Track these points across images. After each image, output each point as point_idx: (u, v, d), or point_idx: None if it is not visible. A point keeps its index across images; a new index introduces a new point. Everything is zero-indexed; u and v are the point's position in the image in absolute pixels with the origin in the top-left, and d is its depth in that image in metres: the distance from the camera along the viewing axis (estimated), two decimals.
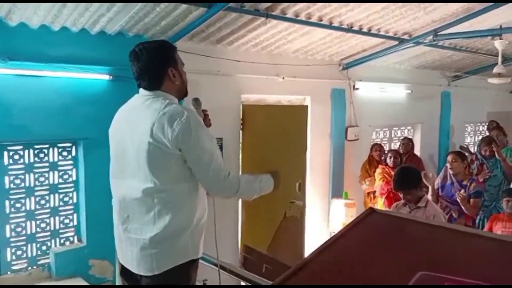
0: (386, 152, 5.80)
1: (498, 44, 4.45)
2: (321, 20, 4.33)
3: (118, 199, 2.01)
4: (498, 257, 1.41)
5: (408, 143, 6.27)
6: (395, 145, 6.97)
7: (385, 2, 4.07)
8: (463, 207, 4.14)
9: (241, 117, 4.88)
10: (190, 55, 4.23)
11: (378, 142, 6.45)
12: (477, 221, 4.89)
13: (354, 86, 6.09)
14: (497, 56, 5.07)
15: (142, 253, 1.88)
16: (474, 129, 8.79)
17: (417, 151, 7.03)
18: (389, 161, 5.36)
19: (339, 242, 1.60)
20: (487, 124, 7.75)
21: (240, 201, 4.89)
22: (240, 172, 4.77)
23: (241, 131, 4.88)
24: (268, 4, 3.82)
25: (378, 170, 5.44)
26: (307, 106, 5.56)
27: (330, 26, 4.43)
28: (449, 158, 4.45)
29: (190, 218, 1.92)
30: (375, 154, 5.82)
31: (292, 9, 3.99)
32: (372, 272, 1.38)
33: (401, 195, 3.49)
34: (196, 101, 2.21)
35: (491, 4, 4.40)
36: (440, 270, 1.34)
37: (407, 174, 3.51)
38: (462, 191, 4.20)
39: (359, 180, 5.78)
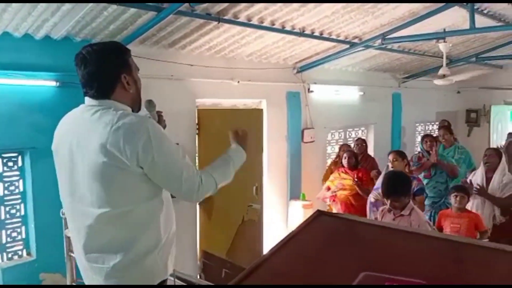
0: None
1: (443, 47, 4.65)
2: (273, 24, 4.38)
3: (73, 225, 1.80)
4: (442, 256, 1.46)
5: (362, 143, 6.42)
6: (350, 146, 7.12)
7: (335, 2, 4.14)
8: None
9: (196, 122, 4.84)
10: (141, 59, 4.14)
11: (346, 143, 6.57)
12: (427, 217, 5.08)
13: (309, 89, 6.19)
14: (442, 58, 5.31)
15: (107, 282, 1.71)
16: (424, 128, 9.14)
17: (370, 151, 7.23)
18: (344, 162, 5.45)
19: (287, 246, 1.61)
20: (438, 123, 8.08)
21: (197, 207, 4.85)
22: None
23: (197, 136, 4.84)
24: (220, 8, 3.82)
25: (335, 174, 5.51)
26: (262, 109, 5.58)
27: (282, 30, 4.49)
28: (390, 157, 4.60)
29: (158, 236, 1.75)
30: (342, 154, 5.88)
31: (244, 13, 4.01)
32: (318, 274, 1.40)
33: (387, 202, 3.43)
34: (150, 103, 2.09)
35: (434, 8, 4.62)
36: (384, 270, 1.38)
37: (398, 181, 3.44)
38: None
39: (322, 180, 5.86)
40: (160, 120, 2.12)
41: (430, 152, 5.31)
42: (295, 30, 4.61)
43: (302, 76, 6.04)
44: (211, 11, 3.83)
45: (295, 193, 5.96)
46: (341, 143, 7.15)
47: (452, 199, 4.38)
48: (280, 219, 5.86)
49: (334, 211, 5.44)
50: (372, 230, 1.62)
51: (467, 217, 4.29)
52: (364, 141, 6.58)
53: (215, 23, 3.96)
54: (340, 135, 7.19)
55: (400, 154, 4.67)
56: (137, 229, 1.70)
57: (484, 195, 4.46)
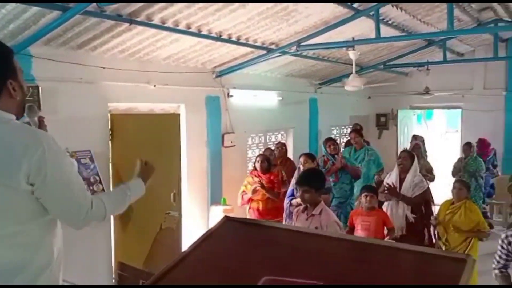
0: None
1: (352, 55, 4.91)
2: (189, 28, 4.32)
3: None
4: (346, 256, 1.50)
5: (282, 147, 6.59)
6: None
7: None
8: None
9: (109, 127, 4.62)
10: (47, 61, 3.90)
11: (268, 147, 6.65)
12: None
13: (228, 94, 6.20)
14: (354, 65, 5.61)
15: None
16: (339, 132, 9.58)
17: (290, 154, 7.42)
18: (257, 165, 5.51)
19: (194, 253, 1.57)
20: (351, 126, 8.51)
21: (112, 217, 4.63)
22: (111, 184, 4.52)
23: (110, 142, 4.62)
24: (132, 10, 3.68)
25: (248, 179, 5.55)
26: (179, 114, 5.48)
27: (198, 34, 4.45)
28: (301, 159, 4.78)
29: (50, 254, 1.65)
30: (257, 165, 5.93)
31: (158, 16, 3.91)
32: (224, 279, 1.38)
33: (299, 193, 3.54)
34: (31, 109, 1.93)
35: (344, 18, 4.86)
36: (288, 273, 1.39)
37: (312, 174, 3.63)
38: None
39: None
40: (41, 126, 1.97)
41: (336, 156, 5.57)
42: (212, 35, 4.59)
43: (222, 81, 6.04)
44: (122, 12, 3.68)
45: (216, 198, 5.92)
46: (263, 147, 7.27)
47: (363, 199, 4.62)
48: (200, 225, 5.78)
49: (252, 215, 5.51)
50: (280, 234, 1.64)
51: (376, 215, 4.55)
52: (284, 144, 6.76)
53: (126, 24, 3.82)
54: (260, 139, 7.29)
55: (310, 157, 4.87)
56: (29, 250, 1.59)
57: (394, 195, 4.75)
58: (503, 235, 2.87)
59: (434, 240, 4.70)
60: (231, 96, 6.22)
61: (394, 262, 1.24)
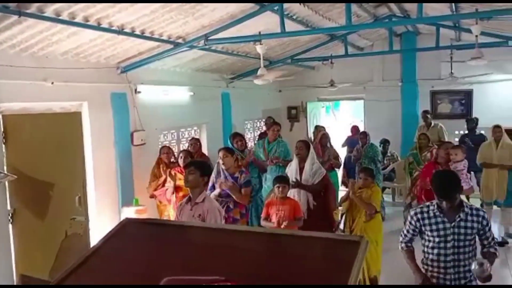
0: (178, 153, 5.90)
1: (259, 49, 4.97)
2: (87, 21, 4.07)
3: None
4: (250, 249, 1.50)
5: (196, 143, 6.51)
6: (184, 146, 7.14)
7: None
8: (234, 197, 4.53)
9: (2, 130, 4.22)
10: None
11: (167, 145, 6.50)
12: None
13: (135, 90, 5.97)
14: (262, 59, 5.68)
15: None
16: (253, 125, 9.73)
17: (204, 150, 7.37)
18: (181, 161, 5.46)
19: (94, 257, 1.48)
20: (264, 120, 8.67)
21: (10, 226, 4.25)
22: (7, 190, 4.15)
23: (4, 146, 4.22)
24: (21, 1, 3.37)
25: (172, 173, 5.47)
26: (80, 112, 5.16)
27: (98, 27, 4.20)
28: (221, 154, 4.80)
29: None
30: (164, 156, 5.85)
31: (51, 8, 3.62)
32: (126, 282, 1.32)
33: (184, 175, 3.56)
34: None
35: (250, 12, 4.91)
36: (191, 271, 1.36)
37: (200, 161, 3.78)
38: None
39: (148, 186, 5.71)
40: None
41: (246, 150, 5.67)
42: (113, 28, 4.37)
43: (128, 77, 5.79)
44: (10, 3, 3.35)
45: (127, 199, 5.69)
46: (176, 144, 7.13)
47: (276, 190, 4.74)
48: (111, 228, 5.52)
49: (171, 212, 5.41)
50: (184, 232, 1.60)
51: (288, 204, 4.69)
52: (198, 140, 6.69)
53: (15, 17, 3.49)
54: (173, 136, 7.14)
55: (229, 151, 4.89)
56: None
57: (299, 187, 4.93)
58: (412, 212, 3.03)
59: (338, 224, 4.95)
60: (139, 92, 6.00)
61: (294, 250, 1.27)
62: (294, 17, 5.67)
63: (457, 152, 5.07)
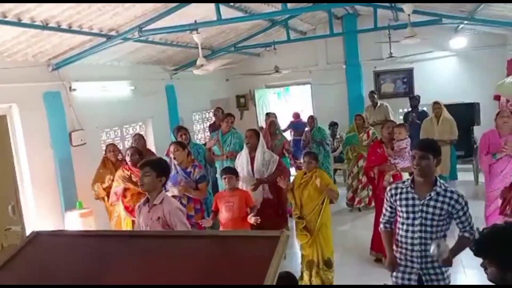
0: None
1: (196, 38, 4.82)
2: (5, 17, 3.76)
3: None
4: (163, 254, 1.39)
5: (139, 139, 6.26)
6: (129, 143, 6.89)
7: None
8: (188, 194, 4.40)
9: None
10: None
11: (111, 142, 6.23)
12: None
13: (70, 88, 5.65)
14: (203, 48, 5.54)
15: None
16: (202, 117, 9.56)
17: (151, 145, 7.16)
18: (128, 159, 5.22)
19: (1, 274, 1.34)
20: (212, 110, 8.51)
21: None
22: None
23: None
24: None
25: (119, 172, 5.22)
26: (5, 116, 4.81)
27: (18, 23, 3.90)
28: (172, 148, 4.65)
29: None
30: (110, 155, 5.59)
31: None
32: None
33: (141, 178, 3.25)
34: None
35: None
36: (104, 280, 1.25)
37: (157, 159, 3.44)
38: None
39: (92, 184, 5.45)
40: None
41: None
42: (36, 23, 4.07)
43: (61, 74, 5.46)
44: None
45: (70, 203, 5.41)
46: (120, 141, 6.86)
47: (223, 181, 4.66)
48: None
49: (122, 213, 5.20)
50: (98, 241, 1.47)
51: (238, 195, 4.63)
52: (141, 136, 6.44)
53: None
54: (116, 133, 6.87)
55: (181, 145, 4.73)
56: None
57: (261, 184, 4.85)
58: (388, 189, 3.01)
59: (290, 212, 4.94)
60: (74, 90, 5.69)
61: (212, 251, 1.18)
62: (232, 4, 5.55)
63: (400, 131, 5.17)
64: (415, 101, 8.45)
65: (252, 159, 4.97)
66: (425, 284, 2.82)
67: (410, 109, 8.50)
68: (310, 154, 4.57)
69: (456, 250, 2.76)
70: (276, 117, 7.51)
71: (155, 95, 7.56)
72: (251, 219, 4.41)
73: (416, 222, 2.78)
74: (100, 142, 6.36)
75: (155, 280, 1.13)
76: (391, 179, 4.93)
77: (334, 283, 4.55)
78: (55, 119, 5.38)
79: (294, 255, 4.78)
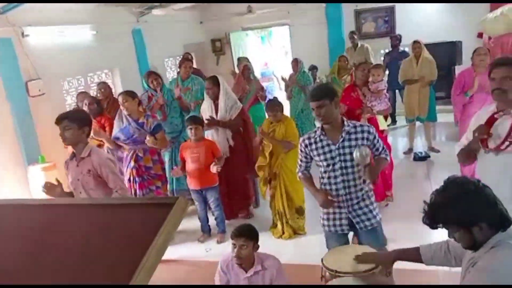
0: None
1: None
2: None
3: None
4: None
5: (105, 87, 5.90)
6: (95, 93, 6.53)
7: None
8: (148, 144, 4.16)
9: None
10: None
11: (82, 91, 5.86)
12: (169, 154, 5.10)
13: (23, 33, 5.21)
14: None
15: None
16: (175, 63, 9.09)
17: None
18: (86, 108, 4.91)
19: None
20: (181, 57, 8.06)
21: None
22: None
23: None
24: None
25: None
26: None
27: None
28: (120, 99, 4.33)
29: None
30: (80, 105, 5.24)
31: None
32: None
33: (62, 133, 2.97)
34: None
35: None
36: None
37: (77, 110, 3.29)
38: None
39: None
40: None
41: (157, 90, 5.22)
42: None
43: (10, 19, 5.00)
44: None
45: (33, 157, 5.15)
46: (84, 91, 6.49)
47: (188, 132, 4.42)
48: (20, 191, 5.03)
49: None
50: None
51: (204, 145, 4.42)
52: (106, 85, 6.07)
53: None
54: (80, 82, 6.48)
55: (130, 95, 4.38)
56: None
57: (214, 124, 4.64)
58: (301, 139, 2.97)
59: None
60: (27, 36, 5.25)
61: (92, 221, 0.96)
62: None
63: (378, 72, 4.91)
64: (395, 40, 8.11)
65: (216, 107, 4.72)
66: (357, 226, 2.83)
67: (390, 49, 8.18)
68: (273, 106, 4.32)
69: (377, 169, 2.83)
70: (248, 61, 7.11)
71: (120, 40, 7.09)
72: (213, 169, 4.24)
73: (337, 166, 2.76)
74: (62, 92, 6.00)
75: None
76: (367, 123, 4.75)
77: (306, 229, 4.49)
78: (8, 68, 5.00)
79: (267, 204, 4.67)
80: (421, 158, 6.37)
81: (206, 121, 4.56)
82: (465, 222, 1.67)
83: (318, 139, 2.81)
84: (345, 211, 2.83)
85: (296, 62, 7.55)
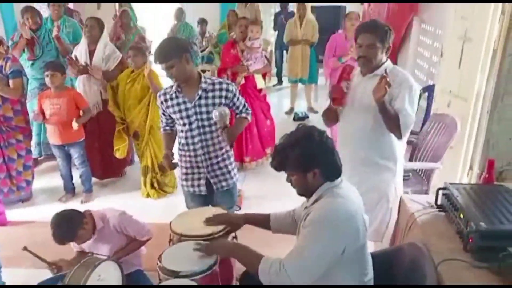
0: None
1: None
2: None
3: None
4: None
5: None
6: None
7: None
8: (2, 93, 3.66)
9: None
10: None
11: None
12: (31, 105, 4.55)
13: None
14: None
15: None
16: None
17: None
18: None
19: None
20: None
21: None
22: None
23: None
24: None
25: None
26: None
27: None
28: None
29: None
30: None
31: None
32: None
33: None
34: None
35: None
36: None
37: None
38: None
39: None
40: None
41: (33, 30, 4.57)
42: None
43: None
44: None
45: None
46: None
47: (46, 79, 3.93)
48: None
49: None
50: None
51: (67, 96, 3.99)
52: None
53: None
54: None
55: None
56: None
57: (84, 72, 4.22)
58: (158, 94, 2.73)
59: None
60: None
61: None
62: None
63: (257, 29, 4.79)
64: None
65: (91, 52, 4.28)
66: (214, 187, 2.75)
67: (279, 10, 8.18)
68: (137, 48, 4.06)
69: (236, 130, 2.72)
70: (131, 7, 6.51)
71: None
72: (74, 125, 3.88)
73: (194, 125, 2.61)
74: None
75: None
76: (243, 81, 4.69)
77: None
78: None
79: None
80: (300, 118, 6.58)
81: (80, 67, 4.12)
82: (302, 166, 1.74)
83: (174, 95, 2.60)
84: (203, 171, 2.71)
85: (181, 12, 7.22)
